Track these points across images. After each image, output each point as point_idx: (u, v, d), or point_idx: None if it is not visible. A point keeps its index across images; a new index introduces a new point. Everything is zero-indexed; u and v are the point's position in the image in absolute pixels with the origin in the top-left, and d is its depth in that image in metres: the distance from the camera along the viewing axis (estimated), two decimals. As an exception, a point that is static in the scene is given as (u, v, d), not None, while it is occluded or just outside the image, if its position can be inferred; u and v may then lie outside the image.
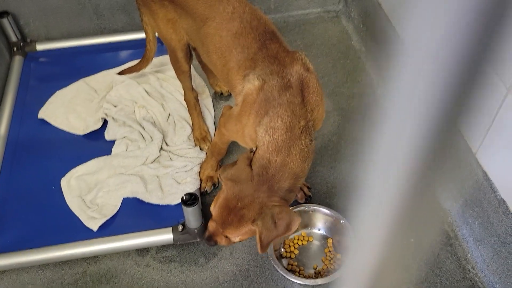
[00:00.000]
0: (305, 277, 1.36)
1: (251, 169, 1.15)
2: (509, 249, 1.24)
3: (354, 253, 0.40)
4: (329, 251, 1.42)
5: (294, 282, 1.33)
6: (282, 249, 1.43)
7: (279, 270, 1.32)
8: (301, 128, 1.14)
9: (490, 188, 1.28)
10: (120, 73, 1.85)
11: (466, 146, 1.38)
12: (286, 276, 1.31)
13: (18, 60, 2.03)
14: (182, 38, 1.47)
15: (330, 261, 1.40)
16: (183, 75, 1.61)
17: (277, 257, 1.36)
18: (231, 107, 1.33)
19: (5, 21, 1.99)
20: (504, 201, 1.23)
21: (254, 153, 1.17)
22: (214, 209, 1.19)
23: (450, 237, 1.47)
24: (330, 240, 1.44)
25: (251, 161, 1.16)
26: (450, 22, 0.23)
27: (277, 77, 1.15)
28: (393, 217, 0.34)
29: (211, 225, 1.22)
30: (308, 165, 1.19)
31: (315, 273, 1.38)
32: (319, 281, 1.31)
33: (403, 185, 0.31)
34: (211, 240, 1.23)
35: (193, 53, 1.59)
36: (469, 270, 1.40)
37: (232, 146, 1.67)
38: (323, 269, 1.39)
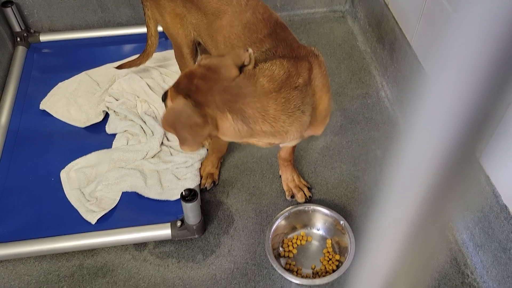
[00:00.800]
0: (302, 277, 1.35)
1: (238, 73, 0.99)
2: (510, 255, 1.23)
3: (367, 262, 0.40)
4: (328, 252, 1.41)
5: (291, 281, 1.32)
6: (281, 249, 1.42)
7: (276, 269, 1.31)
8: (297, 83, 1.04)
9: (492, 193, 1.27)
10: (119, 67, 1.83)
11: (469, 150, 1.36)
12: (284, 275, 1.30)
13: (21, 51, 2.02)
14: (189, 33, 1.45)
15: (328, 261, 1.39)
16: None
17: (275, 256, 1.35)
18: None
19: (9, 11, 1.98)
20: (506, 206, 1.22)
21: (246, 65, 1.02)
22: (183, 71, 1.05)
23: (450, 242, 1.46)
24: (329, 241, 1.43)
25: (241, 66, 1.01)
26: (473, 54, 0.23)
27: (284, 56, 1.11)
28: (408, 233, 0.34)
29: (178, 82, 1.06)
30: (285, 127, 1.04)
31: (313, 273, 1.37)
32: (316, 281, 1.30)
33: (419, 206, 0.31)
34: (164, 94, 1.12)
35: (198, 49, 1.58)
36: (468, 275, 1.39)
37: (233, 144, 1.66)
38: (321, 269, 1.38)
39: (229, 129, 1.01)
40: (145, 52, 1.76)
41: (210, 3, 1.29)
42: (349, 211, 1.53)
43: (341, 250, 1.40)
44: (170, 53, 1.96)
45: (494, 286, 1.32)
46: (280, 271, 1.30)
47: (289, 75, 1.04)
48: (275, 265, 1.31)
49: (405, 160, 0.30)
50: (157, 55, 1.88)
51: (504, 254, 1.25)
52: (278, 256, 1.40)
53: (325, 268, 1.37)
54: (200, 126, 0.98)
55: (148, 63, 1.90)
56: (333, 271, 1.34)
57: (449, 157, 0.27)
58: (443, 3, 1.45)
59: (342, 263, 1.34)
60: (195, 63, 1.58)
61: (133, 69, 1.88)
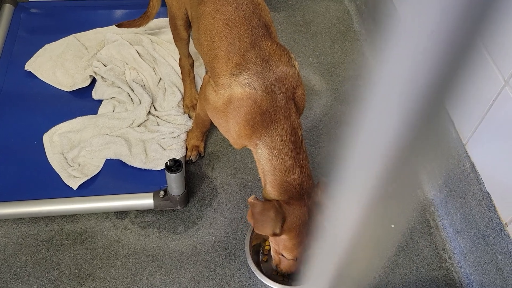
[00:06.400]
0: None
1: (278, 207, 1.10)
2: (488, 242, 1.24)
3: (326, 231, 0.38)
4: None
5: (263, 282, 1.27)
6: (261, 255, 1.38)
7: (254, 272, 1.27)
8: (300, 138, 1.15)
9: (476, 180, 1.27)
10: (119, 25, 1.79)
11: (456, 136, 1.37)
12: (259, 277, 1.25)
13: (8, 9, 1.95)
14: (183, 6, 1.42)
15: None
16: (180, 41, 1.57)
17: (255, 252, 1.33)
18: None
19: (-4, -34, 1.91)
20: (488, 194, 1.23)
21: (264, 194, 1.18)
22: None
23: (430, 226, 1.48)
24: None
25: (277, 205, 1.11)
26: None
27: (270, 87, 1.12)
28: (370, 197, 0.32)
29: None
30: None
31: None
32: None
33: (384, 164, 0.29)
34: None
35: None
36: (446, 260, 1.41)
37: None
38: None
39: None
40: (146, 14, 1.72)
41: None
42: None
43: None
44: (163, 21, 1.92)
45: (470, 271, 1.34)
46: (257, 273, 1.25)
47: (294, 144, 1.13)
48: (252, 266, 1.27)
49: (371, 109, 0.28)
50: (149, 23, 1.83)
51: (483, 241, 1.26)
52: (258, 253, 1.37)
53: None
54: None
55: (139, 30, 1.86)
56: None
57: (417, 105, 0.25)
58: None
59: None
60: (188, 35, 1.54)
61: (123, 35, 1.83)
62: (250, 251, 1.30)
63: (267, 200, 1.15)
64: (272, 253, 1.23)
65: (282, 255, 1.18)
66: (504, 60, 1.14)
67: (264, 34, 1.19)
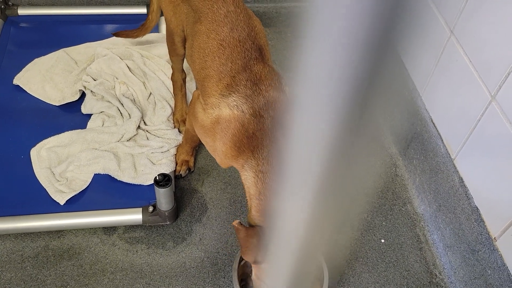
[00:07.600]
0: None
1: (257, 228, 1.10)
2: (478, 257, 1.24)
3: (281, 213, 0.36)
4: None
5: None
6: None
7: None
8: None
9: (465, 195, 1.28)
10: (116, 34, 1.80)
11: (445, 151, 1.38)
12: None
13: (-3, 23, 1.95)
14: (181, 23, 1.42)
15: None
16: (176, 57, 1.57)
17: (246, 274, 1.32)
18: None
19: (-14, -19, 1.90)
20: (477, 208, 1.23)
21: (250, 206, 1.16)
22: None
23: (420, 241, 1.47)
24: None
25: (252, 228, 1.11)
26: None
27: (258, 111, 1.12)
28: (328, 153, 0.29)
29: None
30: None
31: None
32: None
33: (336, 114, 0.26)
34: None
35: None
36: (436, 275, 1.40)
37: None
38: None
39: None
40: (144, 26, 1.74)
41: (195, 1, 1.27)
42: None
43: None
44: (154, 36, 1.93)
45: (460, 286, 1.33)
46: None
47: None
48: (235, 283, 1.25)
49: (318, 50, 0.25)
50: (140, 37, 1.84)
51: (472, 256, 1.26)
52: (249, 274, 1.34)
53: None
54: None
55: (130, 45, 1.87)
56: None
57: (368, 47, 0.24)
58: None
59: None
60: (185, 51, 1.55)
61: (114, 50, 1.83)
62: (238, 280, 1.27)
63: (251, 226, 1.11)
64: (253, 277, 1.19)
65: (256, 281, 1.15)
66: (490, 75, 1.16)
67: (256, 58, 1.19)
